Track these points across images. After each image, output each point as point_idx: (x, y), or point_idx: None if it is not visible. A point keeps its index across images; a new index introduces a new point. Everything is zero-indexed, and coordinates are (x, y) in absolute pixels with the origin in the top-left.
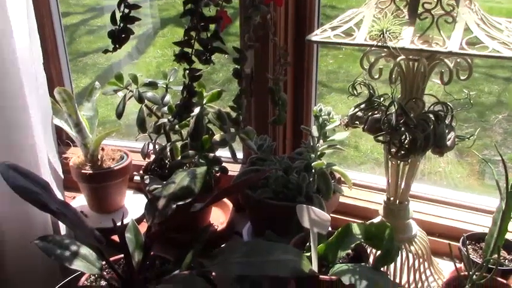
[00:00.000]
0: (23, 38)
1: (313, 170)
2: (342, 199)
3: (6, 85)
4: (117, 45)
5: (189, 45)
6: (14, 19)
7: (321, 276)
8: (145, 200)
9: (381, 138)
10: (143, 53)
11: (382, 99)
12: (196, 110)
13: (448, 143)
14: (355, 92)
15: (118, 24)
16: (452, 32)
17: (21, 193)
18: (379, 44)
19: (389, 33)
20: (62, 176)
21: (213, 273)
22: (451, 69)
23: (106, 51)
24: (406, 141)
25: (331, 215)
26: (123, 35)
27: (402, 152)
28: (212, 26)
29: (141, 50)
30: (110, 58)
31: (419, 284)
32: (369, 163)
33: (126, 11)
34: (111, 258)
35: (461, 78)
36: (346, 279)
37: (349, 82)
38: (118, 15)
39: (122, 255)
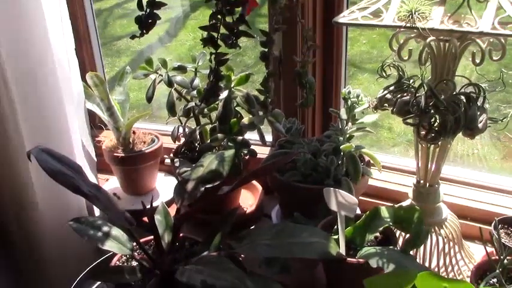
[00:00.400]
0: (55, 24)
1: (341, 153)
2: (371, 182)
3: (39, 71)
4: (144, 31)
5: (215, 29)
6: (46, 5)
7: (348, 259)
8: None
9: (410, 120)
10: (175, 36)
11: (411, 81)
12: (225, 93)
13: (480, 125)
14: (384, 74)
15: (144, 9)
16: (484, 11)
17: (55, 176)
18: (408, 25)
19: (419, 14)
20: (95, 159)
21: (242, 255)
22: (483, 50)
23: (133, 36)
24: (436, 123)
25: (360, 197)
26: (149, 21)
27: (432, 134)
28: (238, 10)
29: (174, 33)
30: (143, 42)
31: (450, 268)
32: (403, 145)
33: None
34: (142, 240)
35: (494, 58)
36: (373, 262)
37: (382, 63)
38: (144, 0)
39: (152, 237)
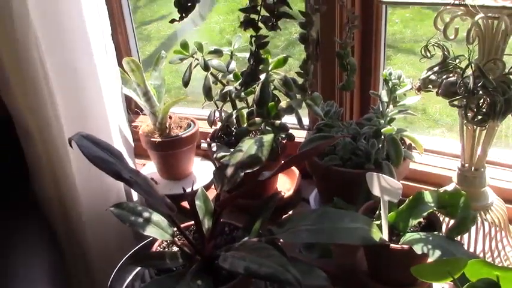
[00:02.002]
0: (91, 10)
1: (382, 136)
2: (412, 165)
3: (78, 58)
4: (183, 15)
5: (255, 11)
6: None
7: (391, 245)
8: (213, 167)
9: (456, 102)
10: (205, 19)
11: (457, 61)
12: (262, 76)
13: None
14: (428, 54)
15: None
16: None
17: (97, 163)
18: (456, 2)
19: None
20: (133, 144)
21: (281, 240)
22: None
23: (173, 20)
24: (484, 105)
25: (401, 182)
26: (189, 4)
27: (479, 116)
28: None
29: (203, 16)
30: (173, 26)
31: (496, 253)
32: (438, 127)
33: None
34: (182, 225)
35: None
36: (418, 249)
37: (416, 42)
38: None
39: (192, 222)
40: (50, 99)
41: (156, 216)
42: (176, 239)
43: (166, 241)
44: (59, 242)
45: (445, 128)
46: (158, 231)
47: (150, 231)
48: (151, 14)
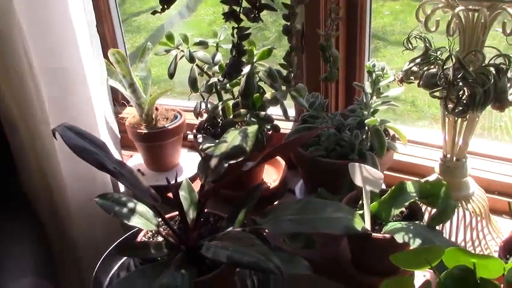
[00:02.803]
0: (76, 1)
1: (366, 127)
2: (396, 156)
3: (63, 49)
4: (165, 6)
5: (237, 3)
6: None
7: (374, 234)
8: (199, 158)
9: (437, 94)
10: (195, 11)
11: (438, 52)
12: (247, 68)
13: (510, 97)
14: (410, 46)
15: None
16: None
17: (79, 153)
18: None
19: None
20: (119, 136)
21: (266, 230)
22: None
23: (155, 12)
24: (464, 96)
25: (385, 172)
26: None
27: (460, 108)
28: None
29: (193, 8)
30: (162, 17)
31: (477, 243)
32: (426, 119)
33: None
34: (167, 216)
35: None
36: (399, 237)
37: (406, 34)
38: None
39: (177, 213)
40: (35, 90)
41: (141, 207)
42: (161, 229)
43: (151, 231)
44: (46, 232)
45: (433, 119)
46: (143, 221)
47: (134, 222)
48: (141, 5)
